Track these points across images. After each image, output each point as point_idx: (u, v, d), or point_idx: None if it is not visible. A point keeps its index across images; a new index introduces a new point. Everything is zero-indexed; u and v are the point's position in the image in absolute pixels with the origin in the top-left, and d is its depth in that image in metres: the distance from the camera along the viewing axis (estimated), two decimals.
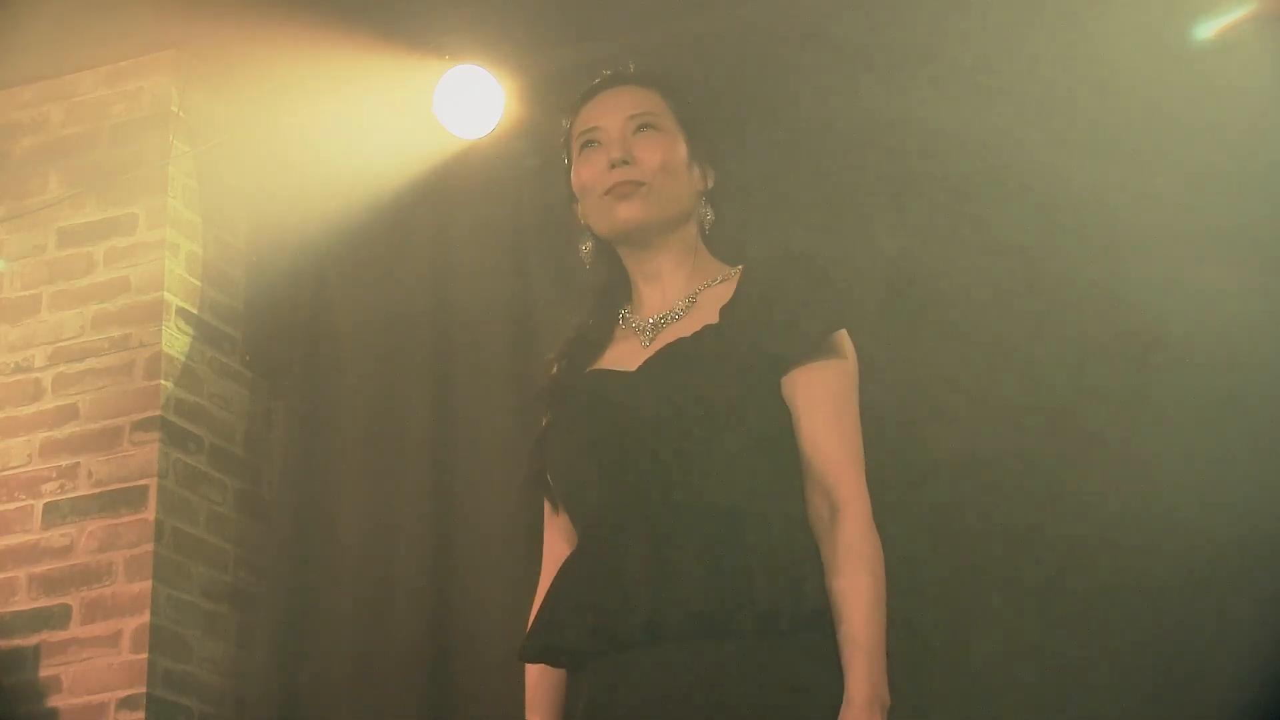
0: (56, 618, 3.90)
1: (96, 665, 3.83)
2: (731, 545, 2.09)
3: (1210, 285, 3.44)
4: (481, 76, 4.04)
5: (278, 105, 4.30)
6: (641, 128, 2.34)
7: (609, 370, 2.29)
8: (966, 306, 3.63)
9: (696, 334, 2.23)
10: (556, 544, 2.34)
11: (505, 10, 4.00)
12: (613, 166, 2.31)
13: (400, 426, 4.10)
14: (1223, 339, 3.41)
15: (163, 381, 4.02)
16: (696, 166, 2.37)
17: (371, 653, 3.94)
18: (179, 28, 4.18)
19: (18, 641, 3.90)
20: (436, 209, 4.22)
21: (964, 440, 3.54)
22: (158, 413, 4.00)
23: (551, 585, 2.25)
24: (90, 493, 3.98)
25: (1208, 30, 3.58)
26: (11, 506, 4.03)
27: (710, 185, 2.39)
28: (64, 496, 4.00)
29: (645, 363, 2.23)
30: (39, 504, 4.01)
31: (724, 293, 2.28)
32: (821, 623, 2.08)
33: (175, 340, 4.09)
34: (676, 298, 2.32)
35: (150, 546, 3.90)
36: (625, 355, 2.29)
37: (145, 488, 3.95)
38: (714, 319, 2.24)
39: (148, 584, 3.86)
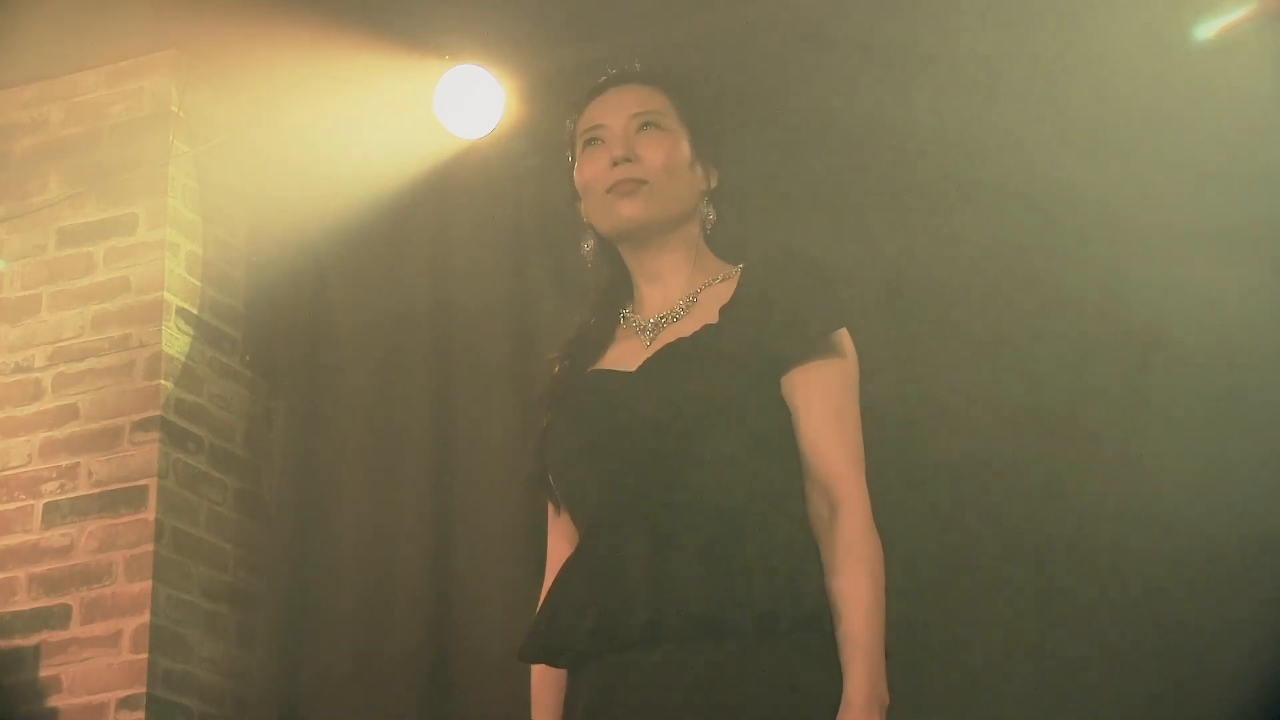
0: (56, 618, 3.90)
1: (96, 665, 3.83)
2: (731, 546, 2.08)
3: (1210, 285, 3.44)
4: (481, 76, 4.04)
5: (278, 105, 4.30)
6: (645, 126, 2.34)
7: (610, 370, 2.29)
8: (966, 306, 3.63)
9: (696, 334, 2.23)
10: (559, 544, 2.33)
11: (505, 10, 4.00)
12: (615, 164, 2.31)
13: (400, 426, 4.10)
14: (1223, 339, 3.41)
15: (163, 381, 4.02)
16: (699, 166, 2.37)
17: (371, 652, 3.94)
18: (179, 28, 4.18)
19: (18, 641, 3.90)
20: (436, 209, 4.22)
21: (964, 440, 3.54)
22: (158, 413, 4.00)
23: (552, 585, 2.25)
24: (90, 493, 3.98)
25: (1208, 30, 3.58)
26: (11, 506, 4.03)
27: (713, 185, 2.38)
28: (64, 496, 4.00)
29: (645, 363, 2.23)
30: (39, 504, 4.01)
31: (724, 292, 2.28)
32: (821, 623, 2.08)
33: (175, 340, 4.09)
34: (677, 297, 2.32)
35: (150, 546, 3.90)
36: (626, 355, 2.29)
37: (145, 488, 3.95)
38: (714, 319, 2.24)
39: (148, 584, 3.86)
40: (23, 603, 3.94)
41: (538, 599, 2.29)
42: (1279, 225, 3.46)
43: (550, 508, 2.35)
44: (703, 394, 2.15)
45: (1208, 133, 3.54)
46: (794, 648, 2.07)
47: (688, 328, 2.25)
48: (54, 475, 4.02)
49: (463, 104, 4.05)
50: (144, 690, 3.78)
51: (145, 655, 3.81)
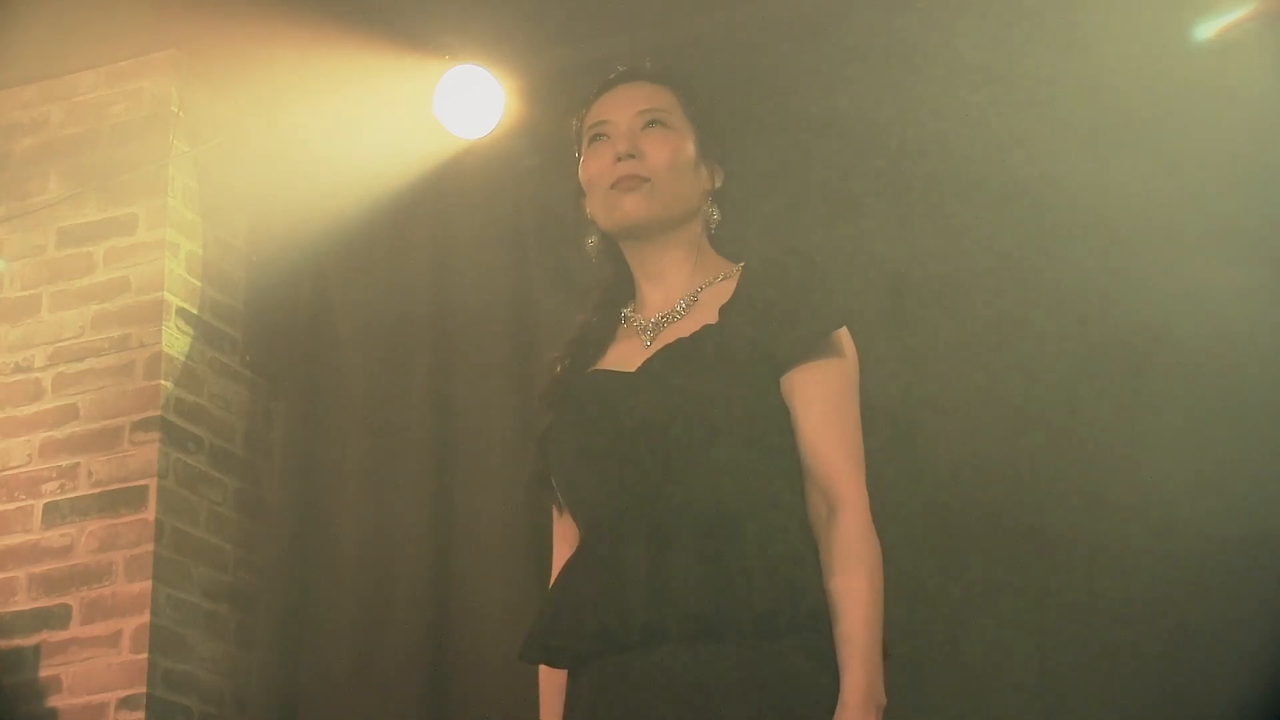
0: (56, 618, 3.90)
1: (96, 665, 3.83)
2: (730, 546, 2.08)
3: (1210, 285, 3.44)
4: (481, 76, 4.04)
5: (278, 105, 4.30)
6: (650, 124, 2.33)
7: (610, 371, 2.29)
8: (967, 306, 3.63)
9: (695, 334, 2.22)
10: (562, 545, 2.33)
11: (505, 10, 4.00)
12: (619, 160, 2.30)
13: (400, 426, 4.10)
14: (1223, 339, 3.41)
15: (163, 381, 4.02)
16: (704, 166, 2.36)
17: (371, 652, 3.94)
18: (179, 28, 4.18)
19: (18, 641, 3.90)
20: (436, 209, 4.22)
21: (964, 440, 3.54)
22: (158, 413, 4.00)
23: (553, 586, 2.25)
24: (90, 493, 3.98)
25: (1208, 30, 3.58)
26: (11, 506, 4.03)
27: (717, 185, 2.38)
28: (64, 496, 4.00)
29: (645, 363, 2.23)
30: (39, 504, 4.01)
31: (724, 291, 2.27)
32: (821, 623, 2.07)
33: (175, 340, 4.09)
34: (678, 296, 2.31)
35: (150, 546, 3.90)
36: (626, 355, 2.29)
37: (145, 488, 3.95)
38: (713, 318, 2.23)
39: (148, 584, 3.86)
40: (23, 603, 3.94)
41: (537, 599, 2.30)
42: (1279, 225, 3.46)
43: (554, 508, 2.35)
44: (702, 395, 2.15)
45: (1208, 133, 3.54)
46: (794, 648, 2.07)
47: (687, 328, 2.25)
48: (54, 475, 4.02)
49: (463, 104, 4.05)
50: (144, 690, 3.78)
51: (145, 655, 3.81)
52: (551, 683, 2.31)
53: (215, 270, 4.26)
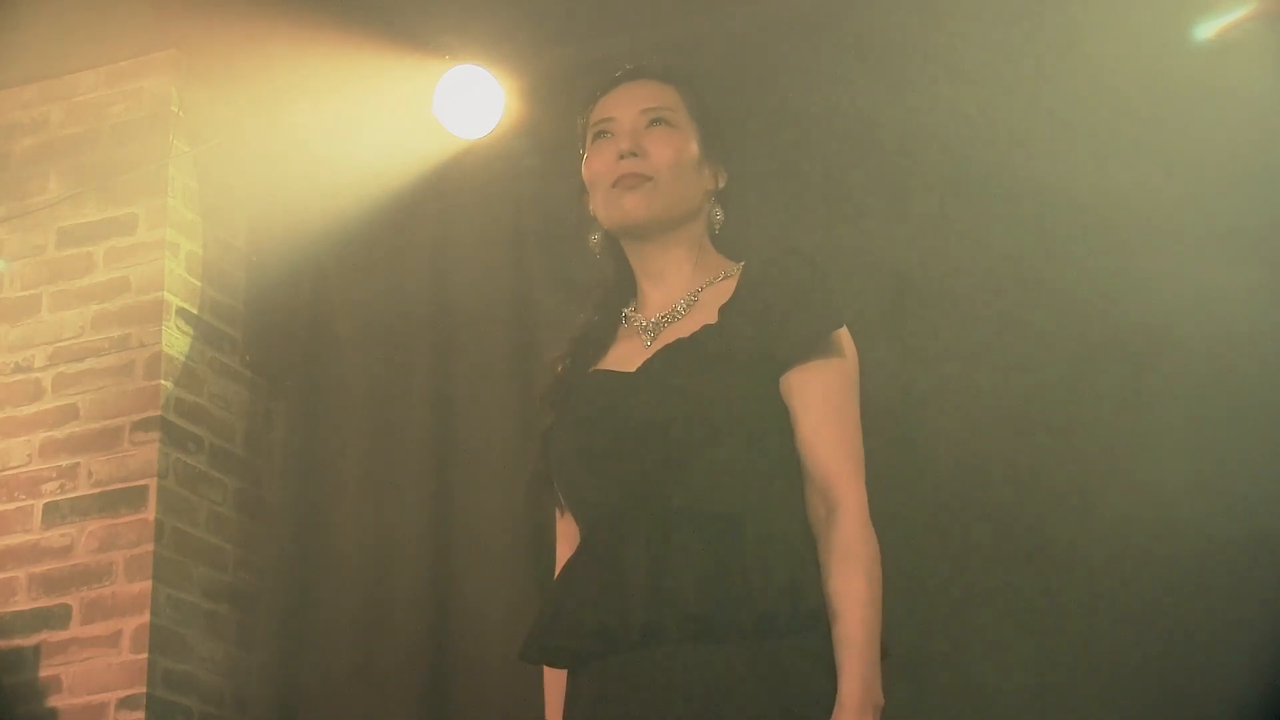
0: (56, 618, 3.90)
1: (96, 665, 3.83)
2: (730, 547, 2.08)
3: (1211, 284, 3.44)
4: (481, 76, 4.04)
5: (278, 105, 4.30)
6: (654, 122, 2.33)
7: (610, 371, 2.28)
8: (967, 305, 3.63)
9: (695, 334, 2.22)
10: (565, 545, 2.33)
11: (505, 10, 4.00)
12: (621, 158, 2.30)
13: (400, 426, 4.10)
14: (1223, 338, 3.41)
15: (163, 381, 4.02)
16: (707, 166, 2.35)
17: (371, 652, 3.94)
18: (179, 28, 4.18)
19: (18, 641, 3.90)
20: (436, 209, 4.22)
21: (964, 440, 3.54)
22: (158, 413, 4.00)
23: (553, 586, 2.25)
24: (90, 493, 3.98)
25: (1208, 30, 3.58)
26: (11, 506, 4.03)
27: (721, 186, 2.37)
28: (64, 496, 4.00)
29: (644, 364, 2.23)
30: (39, 504, 4.01)
31: (724, 290, 2.27)
32: (821, 624, 2.07)
33: (175, 340, 4.09)
34: (678, 296, 2.31)
35: (150, 546, 3.90)
36: (627, 355, 2.28)
37: (145, 488, 3.95)
38: (713, 318, 2.23)
39: (148, 584, 3.86)
40: (23, 603, 3.94)
41: (537, 599, 2.30)
42: (1279, 225, 3.46)
43: (557, 508, 2.35)
44: (701, 395, 2.15)
45: (1208, 133, 3.54)
46: (793, 649, 2.06)
47: (687, 328, 2.24)
48: (54, 475, 4.02)
49: (463, 104, 4.05)
50: (144, 690, 3.78)
51: (145, 655, 3.81)
52: (556, 682, 2.31)
53: (215, 270, 4.26)
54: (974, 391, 3.56)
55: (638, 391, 2.19)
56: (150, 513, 3.93)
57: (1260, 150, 3.50)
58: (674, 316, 2.29)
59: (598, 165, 2.33)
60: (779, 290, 2.21)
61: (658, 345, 2.25)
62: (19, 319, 4.18)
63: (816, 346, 2.18)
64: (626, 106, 2.34)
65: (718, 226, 2.36)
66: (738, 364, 2.17)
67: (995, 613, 3.43)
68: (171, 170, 4.18)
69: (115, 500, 3.96)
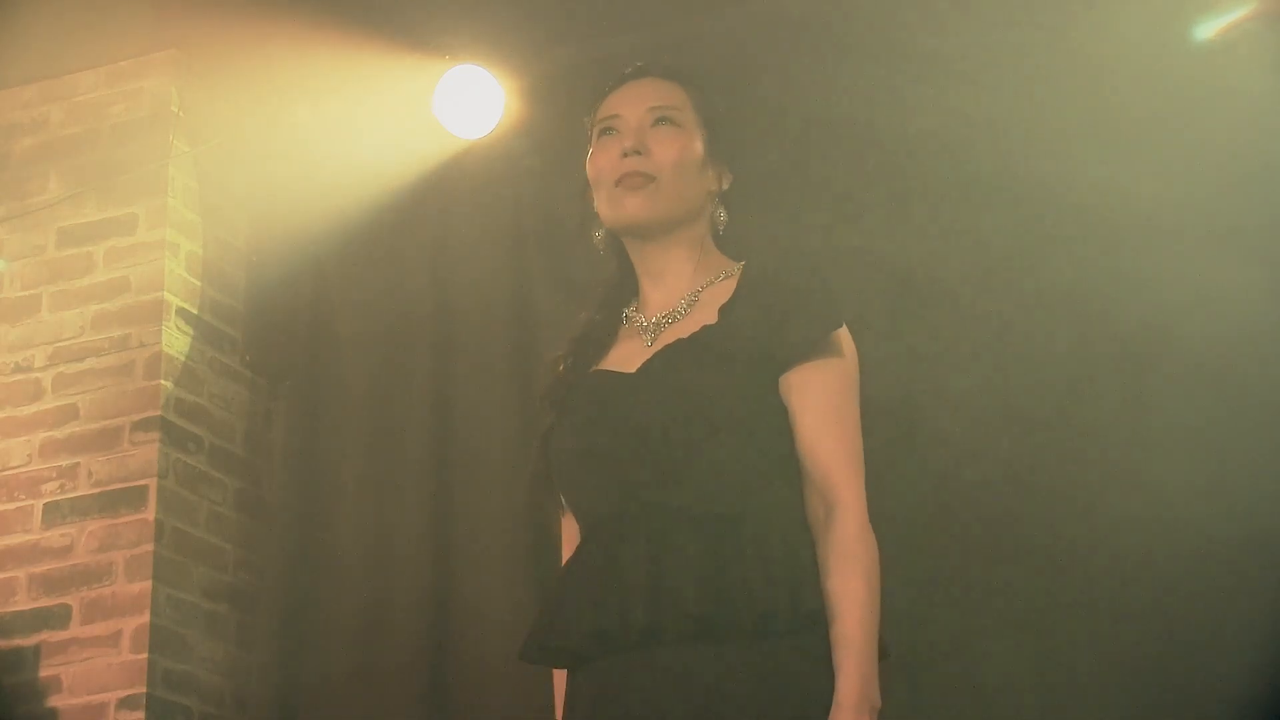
0: (56, 618, 3.90)
1: (96, 665, 3.83)
2: (729, 548, 2.08)
3: (1211, 284, 3.44)
4: (481, 76, 4.04)
5: (278, 105, 4.30)
6: (660, 121, 2.32)
7: (610, 371, 2.28)
8: (967, 306, 3.63)
9: (695, 335, 2.22)
10: (569, 545, 2.33)
11: (505, 10, 4.00)
12: (625, 155, 2.30)
13: (400, 426, 4.10)
14: (1223, 338, 3.41)
15: (163, 381, 4.02)
16: (711, 167, 2.34)
17: (371, 652, 3.94)
18: (179, 28, 4.18)
19: (18, 641, 3.90)
20: (436, 209, 4.22)
21: (964, 440, 3.54)
22: (158, 413, 4.00)
23: (553, 586, 2.25)
24: (90, 493, 3.98)
25: (1208, 30, 3.58)
26: (11, 506, 4.03)
27: (724, 187, 2.36)
28: (64, 496, 4.00)
29: (644, 364, 2.23)
30: (39, 504, 4.01)
31: (725, 290, 2.27)
32: (819, 624, 2.07)
33: (175, 340, 4.09)
34: (679, 296, 2.31)
35: (150, 546, 3.90)
36: (627, 356, 2.28)
37: (145, 488, 3.95)
38: (713, 319, 2.23)
39: (148, 584, 3.86)
40: (23, 603, 3.94)
41: (538, 599, 2.30)
42: (1279, 225, 3.46)
43: (561, 508, 2.35)
44: (701, 396, 2.15)
45: (1208, 133, 3.54)
46: (793, 649, 2.06)
47: (687, 328, 2.24)
48: (54, 475, 4.02)
49: (463, 104, 4.05)
50: (144, 690, 3.78)
51: (145, 655, 3.81)
52: (564, 682, 2.31)
53: (215, 270, 4.26)
54: (974, 391, 3.56)
55: (638, 392, 2.19)
56: (150, 513, 3.93)
57: (1260, 150, 3.50)
58: (674, 316, 2.29)
59: (602, 162, 2.33)
60: (779, 290, 2.21)
61: (658, 345, 2.25)
62: (19, 319, 4.18)
63: (816, 346, 2.18)
64: (633, 104, 2.34)
65: (721, 227, 2.36)
66: (737, 364, 2.17)
67: (995, 613, 3.43)
68: (171, 170, 4.18)
69: (115, 500, 3.96)
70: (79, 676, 3.84)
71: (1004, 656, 3.40)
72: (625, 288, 2.39)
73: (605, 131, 2.34)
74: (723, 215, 2.36)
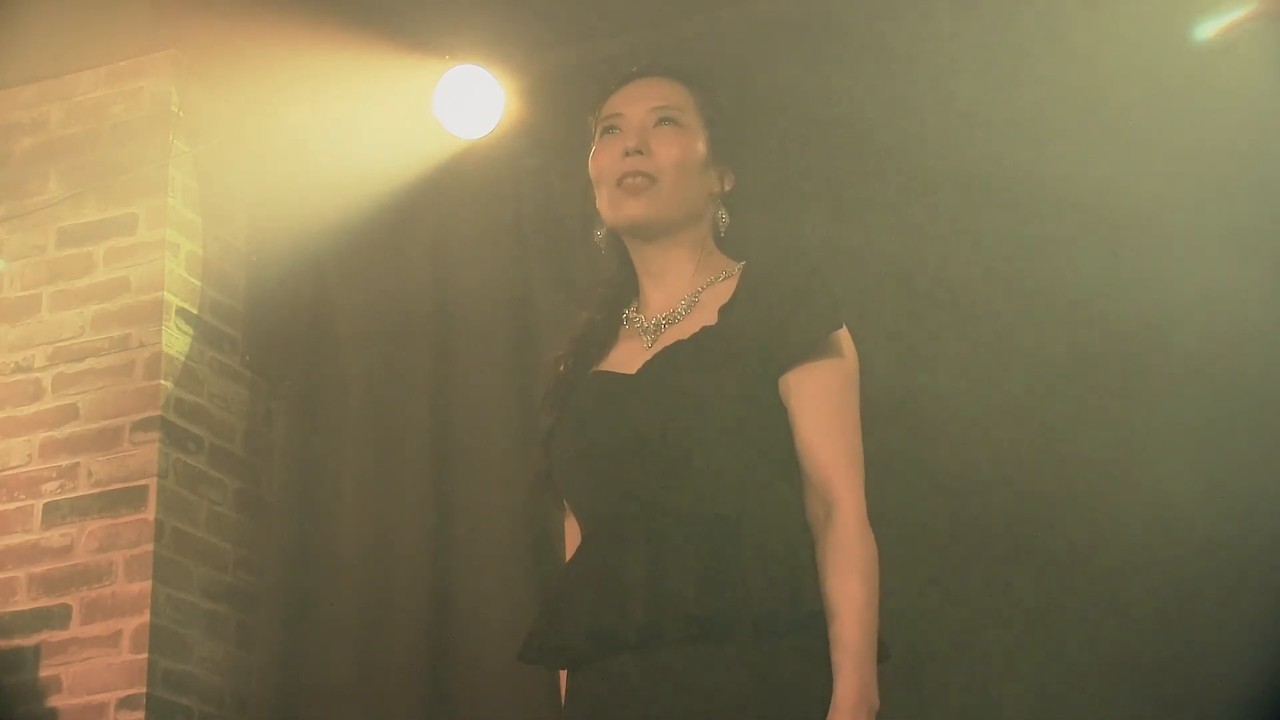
0: (56, 618, 3.90)
1: (96, 665, 3.83)
2: (729, 549, 2.08)
3: (1211, 284, 3.44)
4: (481, 76, 4.04)
5: (278, 105, 4.30)
6: (663, 121, 2.32)
7: (610, 372, 2.28)
8: (967, 307, 3.63)
9: (694, 336, 2.22)
10: (570, 545, 2.33)
11: (505, 10, 4.00)
12: (627, 155, 2.29)
13: (400, 426, 4.10)
14: (1224, 338, 3.41)
15: (163, 381, 4.02)
16: (714, 168, 2.34)
17: (372, 652, 3.94)
18: (179, 28, 4.18)
19: (18, 641, 3.90)
20: (436, 209, 4.22)
21: (964, 441, 3.54)
22: (158, 413, 4.00)
23: (553, 587, 2.25)
24: (90, 493, 3.98)
25: (1208, 30, 3.58)
26: (11, 506, 4.02)
27: (726, 188, 2.36)
28: (64, 496, 4.00)
29: (644, 366, 2.23)
30: (39, 504, 4.01)
31: (725, 291, 2.27)
32: (819, 625, 2.07)
33: (175, 340, 4.09)
34: (679, 297, 2.30)
35: (150, 546, 3.90)
36: (627, 356, 2.28)
37: (145, 488, 3.95)
38: (712, 320, 2.23)
39: (148, 584, 3.86)
40: (23, 603, 3.94)
41: (538, 599, 2.30)
42: (1278, 225, 3.46)
43: (563, 509, 2.35)
44: (700, 398, 2.14)
45: (1208, 133, 3.54)
46: (792, 650, 2.06)
47: (687, 329, 2.24)
48: (54, 475, 4.02)
49: (463, 104, 4.05)
50: (144, 690, 3.78)
51: (145, 655, 3.81)
52: None
53: (215, 270, 4.26)
54: (974, 391, 3.56)
55: (638, 393, 2.19)
56: (150, 513, 3.93)
57: (1260, 150, 3.50)
58: (675, 317, 2.29)
59: (603, 161, 2.32)
60: (778, 291, 2.21)
61: (658, 346, 2.25)
62: (19, 319, 4.18)
63: (816, 347, 2.18)
64: (636, 103, 2.33)
65: (723, 229, 2.35)
66: (737, 365, 2.17)
67: (995, 613, 3.43)
68: (171, 170, 4.18)
69: (115, 500, 3.96)
70: (79, 676, 3.84)
71: (1004, 657, 3.40)
72: (626, 288, 2.39)
73: (608, 130, 2.34)
74: (724, 217, 2.35)
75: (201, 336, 4.17)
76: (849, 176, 3.79)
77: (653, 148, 2.30)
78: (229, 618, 4.08)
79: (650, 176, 2.28)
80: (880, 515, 2.15)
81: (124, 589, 3.87)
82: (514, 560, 3.84)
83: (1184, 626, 3.32)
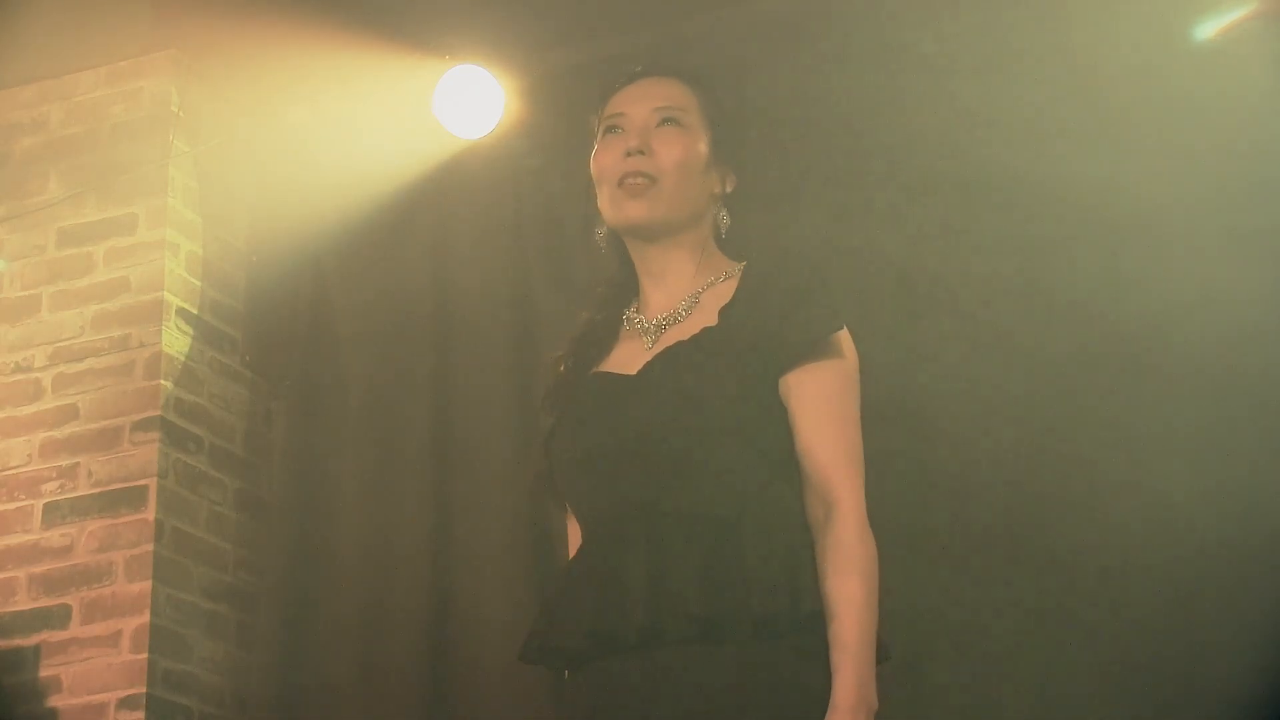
0: (56, 618, 3.90)
1: (96, 665, 3.83)
2: (729, 549, 2.08)
3: (1211, 285, 3.44)
4: (481, 76, 4.04)
5: (278, 105, 4.30)
6: (665, 121, 2.31)
7: (611, 373, 2.28)
8: (968, 307, 3.63)
9: (695, 337, 2.22)
10: (573, 545, 2.33)
11: (505, 10, 4.00)
12: (628, 155, 2.29)
13: (400, 426, 4.10)
14: (1225, 338, 3.41)
15: (163, 381, 4.02)
16: (716, 169, 2.33)
17: (372, 652, 3.94)
18: (179, 28, 4.18)
19: (18, 641, 3.90)
20: (436, 209, 4.22)
21: (964, 441, 3.54)
22: (158, 413, 4.00)
23: (553, 587, 2.25)
24: (90, 493, 3.98)
25: (1208, 30, 3.58)
26: (11, 506, 4.02)
27: (728, 190, 2.35)
28: (64, 496, 3.99)
29: (645, 367, 2.23)
30: (39, 504, 4.01)
31: (725, 291, 2.27)
32: (819, 625, 2.07)
33: (175, 340, 4.09)
34: (680, 297, 2.30)
35: (150, 546, 3.90)
36: (628, 357, 2.28)
37: (145, 488, 3.95)
38: (713, 320, 2.23)
39: (148, 584, 3.86)
40: (23, 603, 3.94)
41: (538, 599, 2.30)
42: (1278, 224, 3.46)
43: (565, 509, 2.35)
44: (701, 398, 2.14)
45: (1207, 133, 3.54)
46: (792, 650, 2.06)
47: (688, 330, 2.24)
48: (54, 475, 4.02)
49: (463, 104, 4.05)
50: (144, 690, 3.78)
51: (145, 655, 3.81)
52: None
53: (215, 270, 4.26)
54: (974, 392, 3.56)
55: (638, 394, 2.19)
56: (150, 513, 3.93)
57: (1260, 150, 3.50)
58: (675, 318, 2.28)
59: (605, 161, 2.32)
60: (779, 292, 2.21)
61: (659, 347, 2.25)
62: (19, 319, 4.18)
63: (816, 348, 2.18)
64: (639, 103, 2.33)
65: (724, 230, 2.35)
66: (737, 366, 2.17)
67: (995, 613, 3.43)
68: (171, 170, 4.17)
69: (115, 500, 3.96)
70: (79, 676, 3.84)
71: (1004, 657, 3.40)
72: (626, 288, 2.39)
73: (610, 130, 2.34)
74: (725, 218, 2.35)
75: (201, 336, 4.16)
76: (849, 176, 3.79)
77: (655, 148, 2.29)
78: (229, 618, 4.08)
79: (651, 177, 2.28)
80: (880, 515, 2.15)
81: (124, 589, 3.87)
82: (514, 560, 3.84)
83: (1184, 626, 3.32)
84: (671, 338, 2.25)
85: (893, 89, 3.79)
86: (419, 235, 4.22)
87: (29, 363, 4.13)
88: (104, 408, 4.03)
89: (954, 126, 3.73)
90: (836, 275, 2.30)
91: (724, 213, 2.35)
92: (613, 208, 2.31)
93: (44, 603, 3.93)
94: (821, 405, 2.16)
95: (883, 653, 2.11)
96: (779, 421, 2.17)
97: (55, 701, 3.83)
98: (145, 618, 3.84)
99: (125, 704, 3.78)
